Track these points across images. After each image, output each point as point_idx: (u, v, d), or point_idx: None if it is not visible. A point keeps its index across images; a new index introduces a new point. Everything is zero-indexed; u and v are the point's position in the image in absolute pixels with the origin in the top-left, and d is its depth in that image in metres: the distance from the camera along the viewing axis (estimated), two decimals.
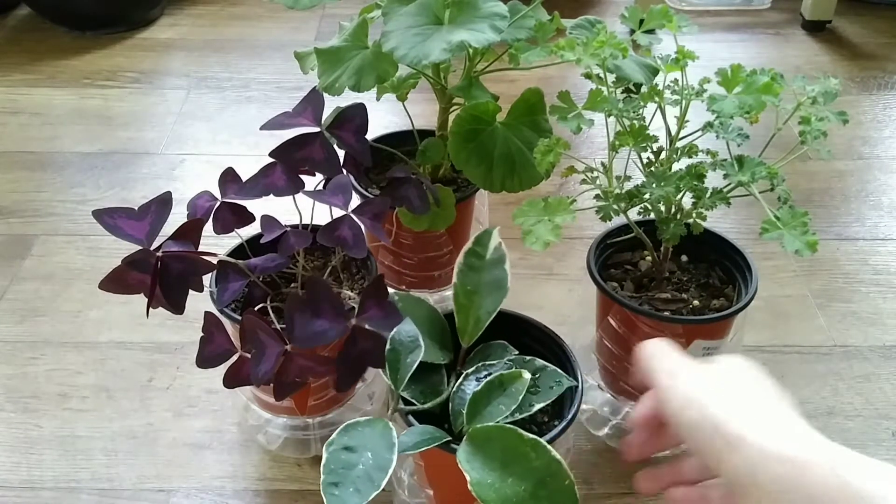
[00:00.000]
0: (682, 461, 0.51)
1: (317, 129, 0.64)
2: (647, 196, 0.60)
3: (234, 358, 0.60)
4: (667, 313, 0.65)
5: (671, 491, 0.51)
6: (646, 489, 0.53)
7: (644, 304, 0.66)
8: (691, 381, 0.46)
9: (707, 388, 0.45)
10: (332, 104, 0.67)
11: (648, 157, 0.63)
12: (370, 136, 0.68)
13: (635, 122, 0.60)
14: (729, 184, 0.59)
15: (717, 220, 0.61)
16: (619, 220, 0.65)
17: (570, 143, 0.61)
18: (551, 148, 0.59)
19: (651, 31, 0.67)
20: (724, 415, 0.43)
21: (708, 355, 0.66)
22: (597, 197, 0.61)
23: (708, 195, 0.60)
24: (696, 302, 0.66)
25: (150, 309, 0.57)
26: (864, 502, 0.38)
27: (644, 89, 0.62)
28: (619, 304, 0.64)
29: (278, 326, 0.58)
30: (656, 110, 0.61)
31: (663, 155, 0.62)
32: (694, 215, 0.62)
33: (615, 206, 0.60)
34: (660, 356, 0.49)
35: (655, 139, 0.61)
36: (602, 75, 0.60)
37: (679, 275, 0.70)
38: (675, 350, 0.49)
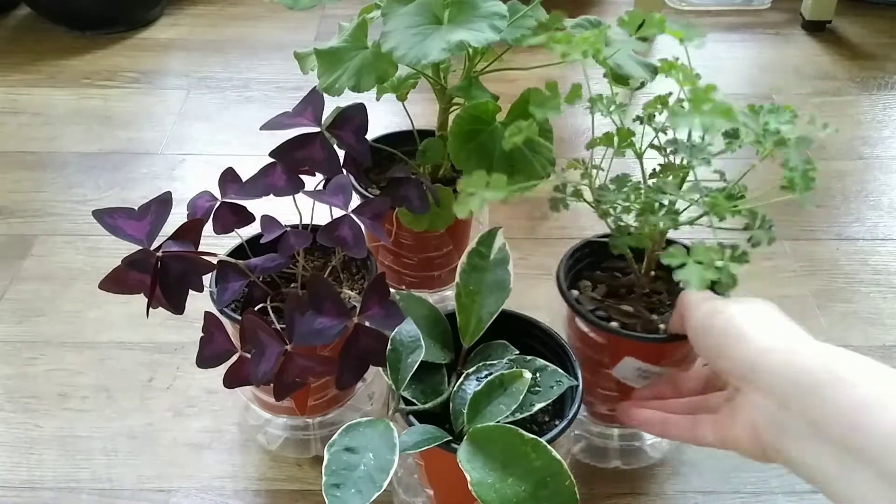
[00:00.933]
0: (670, 401, 0.60)
1: (317, 129, 0.64)
2: (603, 204, 0.58)
3: (234, 358, 0.60)
4: (615, 325, 0.63)
5: (640, 411, 0.60)
6: (625, 410, 0.61)
7: (600, 310, 0.64)
8: (715, 301, 0.54)
9: (727, 303, 0.54)
10: (332, 104, 0.66)
11: (660, 164, 0.60)
12: (370, 136, 0.68)
13: (621, 120, 0.57)
14: (694, 205, 0.55)
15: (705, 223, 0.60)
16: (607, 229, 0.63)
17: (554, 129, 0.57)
18: (521, 130, 0.55)
19: (644, 39, 0.67)
20: (736, 318, 0.51)
21: (643, 377, 0.64)
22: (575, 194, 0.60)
23: (663, 212, 0.57)
24: (662, 325, 0.63)
25: (150, 309, 0.57)
26: (842, 384, 0.44)
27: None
28: (564, 299, 0.63)
29: (278, 326, 0.58)
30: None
31: (676, 159, 0.59)
32: (646, 229, 0.59)
33: (569, 199, 0.59)
34: (693, 297, 0.56)
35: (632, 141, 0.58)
36: (586, 74, 0.57)
37: (661, 297, 0.66)
38: (709, 294, 0.57)
